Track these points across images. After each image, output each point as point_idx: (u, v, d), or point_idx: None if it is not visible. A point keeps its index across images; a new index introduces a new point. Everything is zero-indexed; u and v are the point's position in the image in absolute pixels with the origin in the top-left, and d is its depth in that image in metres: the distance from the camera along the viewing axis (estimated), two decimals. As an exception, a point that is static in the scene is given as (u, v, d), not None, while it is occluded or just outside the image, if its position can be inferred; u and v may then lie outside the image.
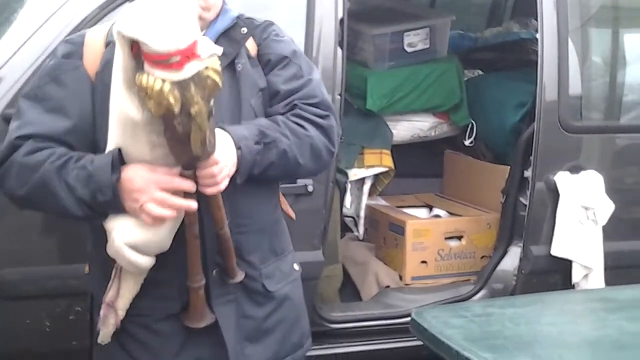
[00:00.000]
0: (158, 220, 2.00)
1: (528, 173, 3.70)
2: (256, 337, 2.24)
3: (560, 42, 3.64)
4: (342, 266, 3.90)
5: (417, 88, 4.32)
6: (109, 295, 2.13)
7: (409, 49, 4.39)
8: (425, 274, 3.95)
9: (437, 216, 4.26)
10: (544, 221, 3.63)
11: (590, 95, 3.88)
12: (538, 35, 3.67)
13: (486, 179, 4.21)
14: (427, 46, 4.43)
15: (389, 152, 4.24)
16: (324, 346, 3.51)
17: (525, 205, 3.67)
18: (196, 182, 2.01)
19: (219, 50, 1.93)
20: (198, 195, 2.03)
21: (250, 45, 2.23)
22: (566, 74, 3.65)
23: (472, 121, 4.41)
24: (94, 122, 2.09)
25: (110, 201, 1.99)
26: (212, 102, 1.93)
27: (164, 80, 1.83)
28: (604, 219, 3.61)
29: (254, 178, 2.13)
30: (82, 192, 1.99)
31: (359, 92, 4.21)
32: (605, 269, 3.62)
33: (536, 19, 3.72)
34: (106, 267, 2.14)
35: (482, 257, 3.97)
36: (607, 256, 3.63)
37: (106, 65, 2.06)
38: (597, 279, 3.59)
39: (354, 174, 4.15)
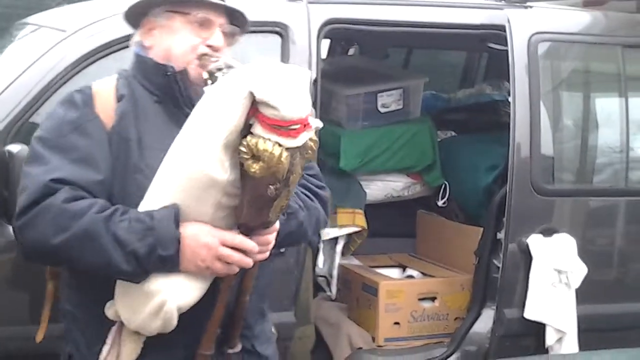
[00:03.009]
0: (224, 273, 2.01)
1: (501, 235, 3.71)
2: None
3: (532, 105, 3.68)
4: (315, 327, 3.85)
5: (390, 148, 4.33)
6: (108, 359, 2.07)
7: (382, 110, 4.41)
8: (398, 336, 3.91)
9: (411, 277, 4.24)
10: (517, 284, 3.62)
11: (562, 158, 3.91)
12: (510, 98, 3.70)
13: (459, 240, 4.21)
14: (401, 107, 4.45)
15: (362, 211, 4.23)
16: (295, 409, 3.48)
17: (498, 267, 3.67)
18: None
19: (320, 123, 2.01)
20: None
21: None
22: (538, 136, 3.68)
23: (445, 182, 4.43)
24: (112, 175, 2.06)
25: (171, 256, 1.96)
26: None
27: (280, 146, 1.88)
28: (576, 283, 3.61)
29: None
30: (137, 246, 1.94)
31: (332, 152, 4.21)
32: (579, 332, 3.61)
33: (508, 81, 3.75)
34: (97, 328, 2.08)
35: (456, 319, 3.95)
36: (581, 319, 3.62)
37: (122, 117, 2.08)
38: (570, 343, 3.57)
39: (327, 233, 4.13)
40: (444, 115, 4.90)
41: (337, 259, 4.22)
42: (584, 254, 3.67)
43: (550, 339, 3.57)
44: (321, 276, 4.23)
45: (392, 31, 3.83)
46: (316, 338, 3.84)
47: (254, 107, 1.90)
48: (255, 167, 1.89)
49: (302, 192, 2.22)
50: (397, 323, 3.92)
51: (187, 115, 2.05)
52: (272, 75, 1.91)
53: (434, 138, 4.44)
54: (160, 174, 2.01)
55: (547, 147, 3.76)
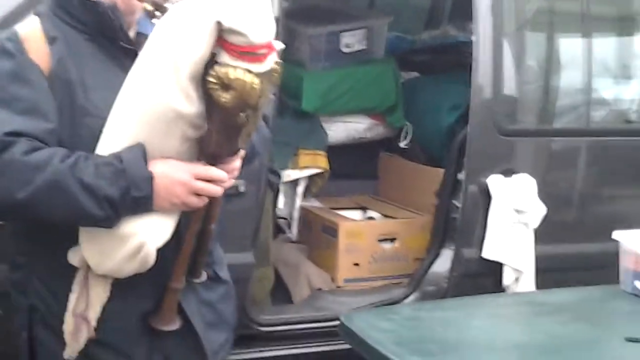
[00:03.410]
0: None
1: (461, 175, 3.69)
2: (214, 322, 2.20)
3: (496, 44, 3.64)
4: (274, 268, 3.84)
5: (352, 89, 4.30)
6: (77, 307, 2.02)
7: (345, 50, 4.37)
8: (357, 276, 3.92)
9: (371, 218, 4.23)
10: (477, 224, 3.62)
11: (526, 98, 3.90)
12: (473, 38, 3.66)
13: (421, 181, 4.20)
14: (364, 47, 4.42)
15: (323, 153, 4.21)
16: (254, 349, 3.48)
17: (458, 208, 3.66)
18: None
19: (282, 45, 1.99)
20: None
21: None
22: (501, 76, 3.65)
23: (408, 123, 4.40)
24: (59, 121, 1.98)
25: (145, 197, 1.92)
26: None
27: (250, 72, 1.86)
28: (535, 223, 3.62)
29: None
30: (110, 190, 1.88)
31: (294, 92, 4.17)
32: (538, 272, 3.63)
33: (473, 22, 3.71)
34: (60, 277, 2.02)
35: (415, 260, 3.96)
36: (540, 259, 3.63)
37: (59, 60, 1.98)
38: (527, 282, 3.60)
39: (288, 174, 4.11)
40: (408, 57, 4.85)
41: (298, 201, 4.21)
42: (544, 194, 3.67)
43: (507, 278, 3.59)
44: (282, 217, 4.22)
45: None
46: (275, 279, 3.84)
47: (219, 36, 1.86)
48: (226, 97, 1.87)
49: None
50: (356, 264, 3.93)
51: (124, 50, 2.00)
52: (234, 1, 1.87)
53: (397, 79, 4.41)
54: (116, 113, 1.94)
55: (510, 87, 3.75)
